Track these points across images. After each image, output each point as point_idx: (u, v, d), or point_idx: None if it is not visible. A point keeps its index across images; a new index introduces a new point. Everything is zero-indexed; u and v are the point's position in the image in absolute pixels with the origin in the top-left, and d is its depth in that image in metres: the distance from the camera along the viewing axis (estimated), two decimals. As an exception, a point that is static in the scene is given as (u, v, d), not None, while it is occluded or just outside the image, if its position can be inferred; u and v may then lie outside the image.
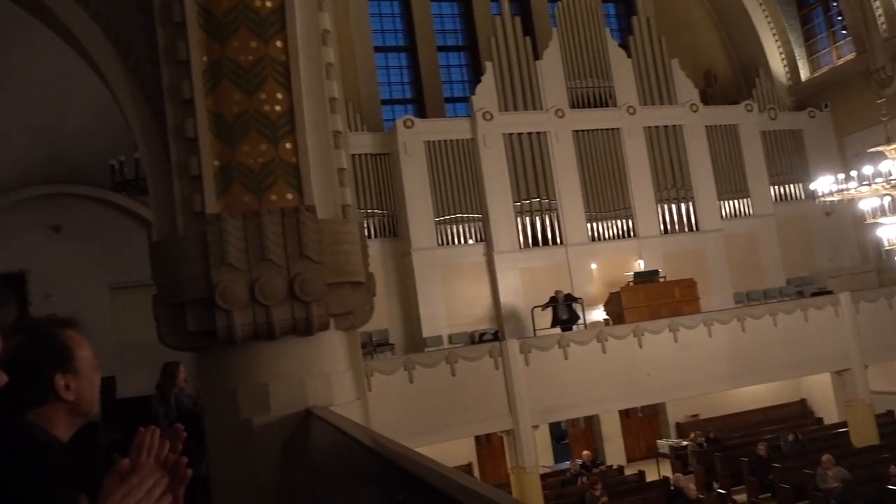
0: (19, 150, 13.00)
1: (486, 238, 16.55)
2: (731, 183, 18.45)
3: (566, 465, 15.30)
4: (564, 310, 14.76)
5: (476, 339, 15.27)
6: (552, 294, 14.98)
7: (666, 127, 17.94)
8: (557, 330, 14.39)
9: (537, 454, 13.28)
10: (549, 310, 14.81)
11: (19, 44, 10.82)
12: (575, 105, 17.34)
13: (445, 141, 16.56)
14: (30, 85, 11.95)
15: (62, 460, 1.68)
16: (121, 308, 13.98)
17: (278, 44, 3.95)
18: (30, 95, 12.16)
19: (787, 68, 20.50)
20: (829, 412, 17.25)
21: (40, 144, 13.08)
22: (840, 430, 15.30)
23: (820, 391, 17.52)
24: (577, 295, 15.31)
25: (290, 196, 3.94)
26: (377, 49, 18.56)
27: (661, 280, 15.87)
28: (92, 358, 1.80)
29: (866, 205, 14.09)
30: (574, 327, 14.73)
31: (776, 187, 19.11)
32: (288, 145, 3.95)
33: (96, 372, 1.81)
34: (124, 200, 13.97)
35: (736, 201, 18.45)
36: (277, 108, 3.95)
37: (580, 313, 15.01)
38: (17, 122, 12.46)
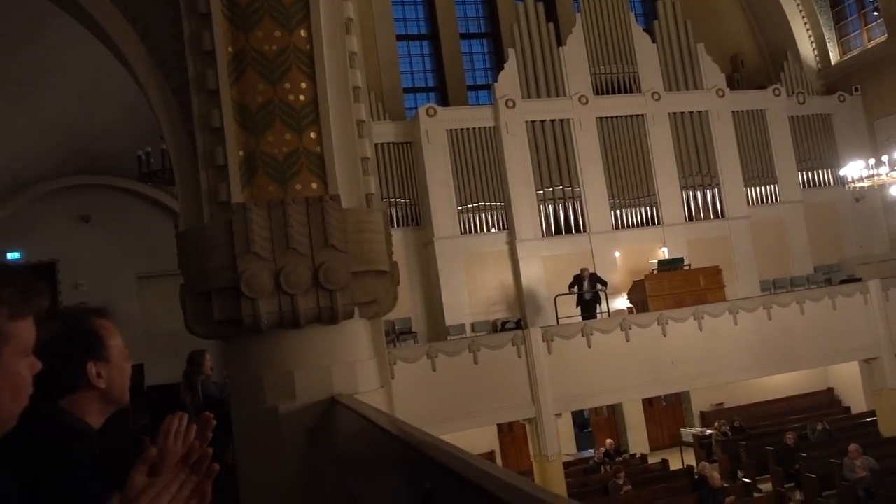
0: (49, 142, 13.21)
1: (508, 226, 16.52)
2: (758, 169, 18.20)
3: (589, 453, 15.29)
4: (589, 288, 14.68)
5: (498, 327, 15.28)
6: (577, 272, 14.89)
7: (691, 113, 17.72)
8: (579, 319, 14.34)
9: (560, 442, 13.29)
10: (575, 289, 14.74)
11: (50, 38, 10.97)
12: (599, 91, 17.19)
13: (468, 129, 16.51)
14: (60, 78, 12.12)
15: (94, 447, 1.71)
16: (148, 297, 14.18)
17: (302, 33, 3.96)
18: (60, 89, 12.33)
19: (816, 52, 20.11)
20: (856, 402, 17.03)
21: (70, 136, 13.28)
22: (868, 420, 15.12)
23: (848, 380, 17.30)
24: (607, 295, 15.20)
25: (314, 185, 3.96)
26: (399, 37, 18.53)
27: (686, 268, 15.74)
28: (123, 347, 1.82)
29: (897, 191, 13.83)
30: (597, 307, 14.67)
31: (804, 173, 18.83)
32: (312, 135, 3.97)
33: (127, 360, 1.83)
34: (151, 191, 14.15)
35: (763, 188, 18.21)
36: (301, 97, 3.96)
37: (603, 295, 14.92)
38: (48, 115, 12.66)
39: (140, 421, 6.03)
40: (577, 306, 14.68)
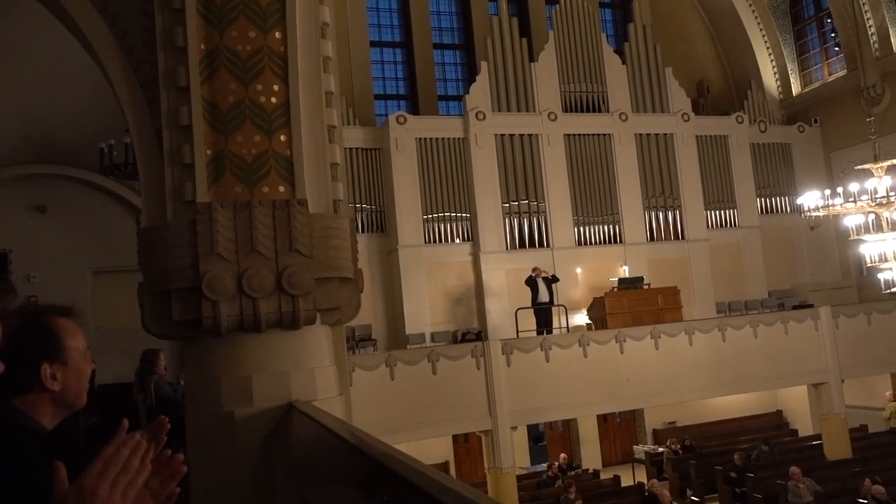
0: (7, 129, 12.86)
1: (473, 238, 16.57)
2: (719, 193, 18.59)
3: (543, 467, 15.36)
4: (545, 288, 14.71)
5: (459, 338, 15.29)
6: (531, 273, 14.91)
7: (657, 135, 18.04)
8: (537, 333, 14.42)
9: (514, 455, 13.33)
10: (531, 293, 14.72)
11: (12, 23, 10.71)
12: (568, 109, 17.39)
13: (437, 139, 16.56)
14: (21, 65, 11.83)
15: (45, 448, 1.66)
16: (102, 292, 13.87)
17: (277, 35, 3.93)
18: (21, 75, 12.03)
19: (778, 82, 20.68)
20: (804, 424, 17.44)
21: (29, 124, 12.96)
22: (814, 443, 15.47)
23: (796, 403, 17.71)
24: (558, 290, 15.28)
25: (282, 189, 3.93)
26: (373, 44, 18.52)
27: (646, 287, 15.97)
28: (84, 349, 1.77)
29: (851, 221, 14.25)
30: (552, 309, 14.74)
31: (763, 199, 19.29)
32: (282, 137, 3.94)
33: (87, 363, 1.78)
34: (112, 184, 13.87)
35: (722, 212, 18.60)
36: (273, 99, 3.93)
37: (556, 295, 14.99)
38: (7, 102, 12.33)
39: (90, 420, 5.87)
40: (531, 306, 14.66)
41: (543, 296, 14.67)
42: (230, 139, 3.88)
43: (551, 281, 14.93)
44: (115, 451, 1.26)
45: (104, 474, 1.24)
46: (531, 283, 14.75)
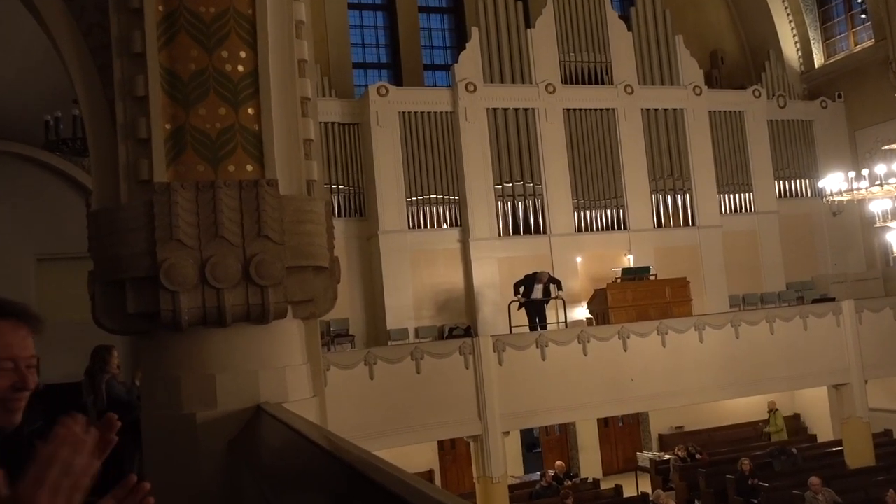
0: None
1: (462, 223, 16.58)
2: (733, 175, 18.69)
3: (537, 475, 15.47)
4: (543, 292, 14.74)
5: (445, 333, 15.32)
6: (531, 273, 14.87)
7: (666, 110, 18.09)
8: (530, 329, 14.48)
9: (506, 463, 13.41)
10: (522, 291, 14.72)
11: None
12: (567, 80, 17.39)
13: (422, 113, 16.52)
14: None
15: None
16: (48, 282, 13.77)
17: (244, -5, 3.91)
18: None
19: (800, 53, 20.76)
20: (823, 429, 17.65)
21: (-37, 93, 12.77)
22: (834, 449, 15.66)
23: (815, 406, 17.92)
24: (559, 289, 15.34)
25: (249, 167, 3.91)
26: (351, 6, 18.43)
27: (652, 278, 16.06)
28: (17, 356, 1.72)
29: (877, 206, 14.37)
30: (545, 310, 14.77)
31: (781, 182, 19.41)
32: (250, 110, 3.92)
33: (18, 373, 1.74)
34: (58, 162, 13.75)
35: (737, 196, 18.72)
36: (240, 67, 3.90)
37: (561, 301, 15.03)
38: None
39: (33, 424, 5.87)
40: (520, 308, 14.71)
41: (537, 293, 14.72)
42: (192, 112, 3.86)
43: (553, 282, 14.93)
44: (53, 452, 1.25)
45: (43, 479, 1.23)
46: (527, 282, 14.72)
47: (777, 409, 17.05)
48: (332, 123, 16.30)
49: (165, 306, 3.76)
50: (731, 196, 18.68)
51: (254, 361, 4.00)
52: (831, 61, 20.33)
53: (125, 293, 3.88)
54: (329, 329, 14.75)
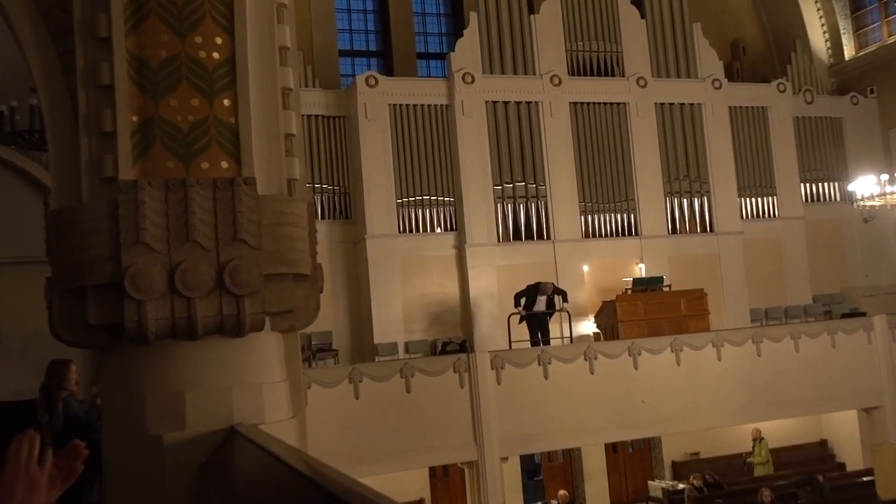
0: None
1: (457, 227, 16.60)
2: (755, 177, 18.76)
3: (539, 506, 15.46)
4: (544, 302, 14.72)
5: (439, 348, 15.32)
6: (534, 282, 14.84)
7: (682, 105, 18.16)
8: (531, 344, 14.47)
9: (504, 492, 13.39)
10: (523, 303, 14.71)
11: None
12: (575, 72, 17.45)
13: (415, 106, 16.55)
14: None
15: None
16: (1, 289, 13.73)
17: (220, -25, 3.92)
18: None
19: (828, 43, 20.86)
20: (853, 457, 17.64)
21: None
22: (865, 479, 15.67)
23: (844, 431, 17.92)
24: (564, 300, 15.34)
25: (224, 164, 3.91)
26: (337, -13, 18.46)
27: (666, 289, 16.09)
28: None
29: (912, 213, 14.42)
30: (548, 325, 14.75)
31: (807, 185, 19.49)
32: (226, 102, 3.91)
33: None
34: (13, 155, 13.75)
35: (759, 199, 18.80)
36: (216, 54, 3.90)
37: (565, 314, 15.01)
38: None
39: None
40: (521, 321, 14.72)
41: (541, 305, 14.73)
42: (161, 103, 3.86)
43: (558, 293, 14.91)
44: (5, 489, 1.25)
45: None
46: (529, 293, 14.71)
47: (763, 438, 16.64)
48: (316, 117, 16.31)
49: (130, 317, 3.75)
50: (753, 200, 18.75)
51: (227, 378, 3.99)
52: (863, 53, 20.43)
53: (86, 302, 3.87)
54: (310, 343, 14.73)
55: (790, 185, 19.01)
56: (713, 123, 18.27)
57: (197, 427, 3.88)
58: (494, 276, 16.44)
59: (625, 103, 17.71)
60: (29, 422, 6.86)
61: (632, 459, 18.28)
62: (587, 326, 16.38)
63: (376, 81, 16.33)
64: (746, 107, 18.83)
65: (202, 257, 3.80)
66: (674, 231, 17.85)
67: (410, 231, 16.37)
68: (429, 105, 16.66)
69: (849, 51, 20.69)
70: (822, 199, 19.61)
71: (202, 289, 3.80)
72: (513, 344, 14.58)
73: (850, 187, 16.36)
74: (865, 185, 14.76)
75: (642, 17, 18.06)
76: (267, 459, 3.01)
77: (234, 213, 3.83)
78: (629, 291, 15.83)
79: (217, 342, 3.94)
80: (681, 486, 16.42)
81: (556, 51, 17.35)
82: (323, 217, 16.02)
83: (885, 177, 14.79)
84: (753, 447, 16.82)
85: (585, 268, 17.01)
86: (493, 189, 16.67)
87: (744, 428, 17.04)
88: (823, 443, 18.95)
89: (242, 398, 4.00)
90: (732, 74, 19.50)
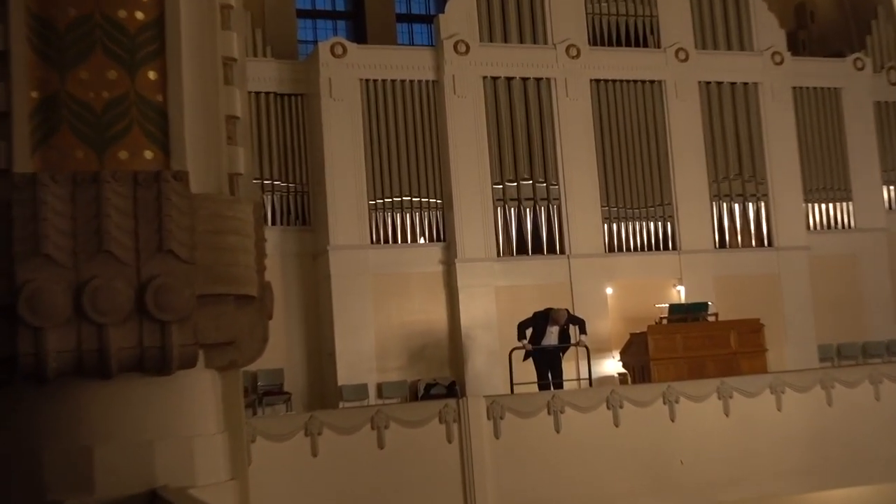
0: None
1: (446, 237, 16.61)
2: (826, 177, 18.85)
3: None
4: (556, 334, 14.67)
5: (421, 392, 15.29)
6: (545, 309, 14.77)
7: (733, 84, 18.24)
8: (539, 387, 14.47)
9: (504, 577, 13.36)
10: (528, 334, 14.66)
11: None
12: (596, 41, 17.52)
13: (393, 81, 16.57)
14: None
15: None
16: None
17: (146, -86, 3.94)
18: None
19: (919, 9, 21.03)
20: (948, 535, 17.70)
21: None
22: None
23: (938, 502, 17.97)
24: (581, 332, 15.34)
25: (148, 154, 3.92)
26: (296, -70, 18.52)
27: (711, 318, 16.11)
28: None
29: None
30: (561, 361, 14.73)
31: (891, 188, 19.59)
32: (151, 75, 3.93)
33: None
34: None
35: (831, 205, 18.87)
36: (139, 14, 3.92)
37: (583, 347, 15.00)
38: None
39: None
40: (526, 358, 14.66)
41: (552, 338, 14.70)
42: (69, 76, 3.87)
43: (574, 322, 14.84)
44: None
45: None
46: (538, 322, 14.67)
47: None
48: (267, 94, 16.31)
49: (25, 348, 3.75)
50: (823, 206, 18.82)
51: (148, 429, 3.99)
52: (962, 22, 20.61)
53: (-32, 329, 3.87)
54: (256, 384, 14.67)
55: (870, 188, 19.10)
56: (772, 108, 18.35)
57: (108, 491, 3.88)
58: (493, 300, 16.42)
59: (660, 81, 17.77)
60: None
61: (667, 536, 18.27)
62: (611, 365, 16.36)
63: (344, 50, 16.34)
64: (815, 88, 18.92)
65: (118, 273, 3.81)
66: (721, 245, 17.89)
67: (386, 241, 16.36)
68: (411, 81, 16.67)
69: (945, 18, 20.87)
70: (910, 205, 19.73)
71: (118, 313, 3.80)
72: (515, 387, 14.55)
73: (946, 191, 16.45)
74: (965, 189, 14.87)
75: (683, -28, 18.20)
76: (198, 533, 3.01)
77: (161, 217, 3.84)
78: (664, 321, 15.83)
79: (136, 382, 3.94)
80: (729, 570, 16.43)
81: (573, 14, 17.41)
82: (274, 223, 15.99)
83: None
84: None
85: (609, 290, 17.01)
86: (492, 189, 16.68)
87: (810, 498, 17.05)
88: (911, 517, 19.00)
89: (167, 454, 3.99)
90: (797, 47, 19.62)
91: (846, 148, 19.04)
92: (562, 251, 16.94)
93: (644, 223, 17.52)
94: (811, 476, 14.83)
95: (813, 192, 18.74)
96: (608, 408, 13.69)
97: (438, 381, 15.62)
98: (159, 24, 3.97)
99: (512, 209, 16.80)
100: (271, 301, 4.49)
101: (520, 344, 14.82)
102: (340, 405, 14.78)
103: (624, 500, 14.11)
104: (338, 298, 15.93)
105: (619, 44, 17.70)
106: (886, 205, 19.38)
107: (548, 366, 14.75)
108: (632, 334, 15.82)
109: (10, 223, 3.76)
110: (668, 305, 16.30)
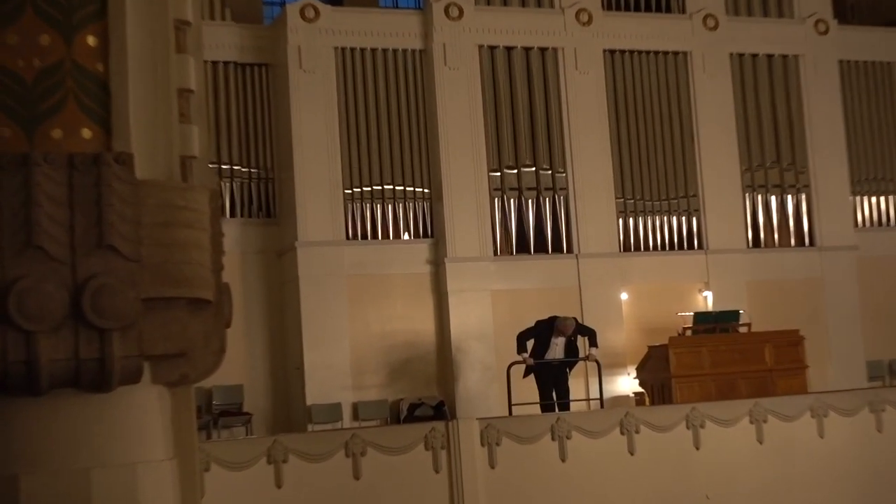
0: None
1: (434, 232, 16.63)
2: (877, 166, 18.94)
3: None
4: (562, 347, 14.67)
5: (404, 414, 15.29)
6: (549, 318, 14.77)
7: (770, 57, 18.31)
8: (542, 409, 14.50)
9: None
10: (530, 346, 14.68)
11: None
12: (612, 5, 17.59)
13: (375, 50, 16.60)
14: None
15: None
16: None
17: None
18: None
19: None
20: None
21: None
22: None
23: None
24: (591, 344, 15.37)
25: (87, 133, 3.90)
26: None
27: (743, 329, 16.14)
28: None
29: None
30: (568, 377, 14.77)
31: (954, 179, 19.69)
32: (90, 40, 3.91)
33: None
34: None
35: (883, 198, 18.93)
36: (76, -31, 3.92)
37: (594, 362, 15.01)
38: None
39: None
40: (527, 374, 14.66)
41: (557, 351, 14.70)
42: (-7, 40, 3.86)
43: (582, 332, 14.84)
44: None
45: None
46: (541, 332, 14.67)
47: None
48: (226, 63, 16.33)
49: (-61, 360, 3.74)
50: (874, 199, 18.92)
51: (84, 455, 3.98)
52: None
53: None
54: (211, 403, 14.67)
55: (928, 179, 19.19)
56: (816, 84, 18.41)
57: (38, 527, 3.87)
58: (488, 307, 16.45)
59: (686, 52, 17.83)
60: None
61: (689, 583, 18.34)
62: (625, 383, 16.39)
63: (316, 13, 16.34)
64: (864, 61, 19.01)
65: (50, 272, 3.79)
66: (756, 244, 17.96)
67: (364, 237, 16.38)
68: (395, 50, 16.70)
69: None
70: (974, 199, 19.82)
71: (49, 319, 3.78)
72: (514, 408, 14.58)
73: None
74: None
75: (713, -75, 18.25)
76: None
77: (100, 207, 3.83)
78: (688, 332, 15.86)
79: (70, 400, 3.93)
80: None
81: (584, -27, 17.48)
82: (233, 215, 16.01)
83: None
84: None
85: (624, 296, 17.05)
86: (489, 177, 16.72)
87: (856, 538, 17.14)
88: (973, 561, 19.09)
89: (106, 485, 3.99)
90: (845, 14, 19.68)
91: (901, 132, 19.15)
92: (569, 250, 16.98)
93: (665, 218, 17.57)
94: (858, 513, 14.89)
95: (862, 184, 18.82)
96: (622, 433, 13.72)
97: (424, 401, 15.64)
98: (100, -19, 3.96)
99: (511, 201, 16.83)
100: (230, 306, 4.47)
101: (520, 358, 14.84)
102: (309, 428, 14.78)
103: (640, 540, 14.17)
104: (307, 303, 15.93)
105: (637, 8, 17.78)
106: (947, 198, 19.48)
107: (552, 383, 14.78)
108: (650, 347, 15.85)
109: (-78, 213, 3.75)
110: (692, 314, 16.34)
